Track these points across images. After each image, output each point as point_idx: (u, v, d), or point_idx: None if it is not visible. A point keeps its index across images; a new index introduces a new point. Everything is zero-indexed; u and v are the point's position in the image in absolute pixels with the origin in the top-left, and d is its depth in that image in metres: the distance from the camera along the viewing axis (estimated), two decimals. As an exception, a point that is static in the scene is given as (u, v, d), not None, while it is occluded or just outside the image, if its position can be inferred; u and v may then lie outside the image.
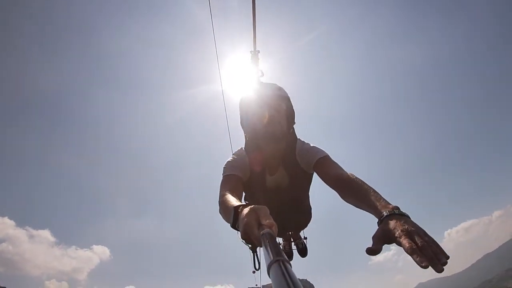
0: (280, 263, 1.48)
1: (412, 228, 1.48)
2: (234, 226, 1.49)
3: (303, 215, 2.61)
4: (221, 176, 1.95)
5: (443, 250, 1.49)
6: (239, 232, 1.50)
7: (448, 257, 1.49)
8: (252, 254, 1.43)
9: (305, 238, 3.15)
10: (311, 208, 2.60)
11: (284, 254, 1.50)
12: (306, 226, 2.75)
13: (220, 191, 1.74)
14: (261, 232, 1.49)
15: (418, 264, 1.48)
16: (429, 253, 1.48)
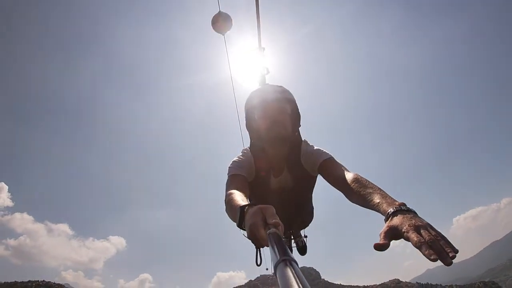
0: (287, 262, 1.46)
1: (420, 223, 1.46)
2: (241, 225, 1.48)
3: (306, 216, 2.60)
4: (227, 175, 1.92)
5: (452, 244, 1.47)
6: (245, 232, 1.49)
7: (457, 251, 1.47)
8: (256, 250, 1.43)
9: (305, 236, 3.14)
10: (313, 209, 2.58)
11: (291, 254, 1.47)
12: (307, 225, 2.74)
13: (226, 190, 1.72)
14: (268, 232, 1.47)
15: (427, 257, 1.47)
16: (437, 247, 1.47)
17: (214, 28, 3.75)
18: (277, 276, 1.46)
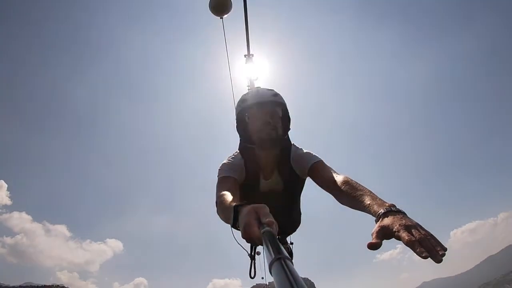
0: (282, 261, 1.47)
1: (410, 223, 1.50)
2: (235, 225, 1.48)
3: (294, 220, 2.57)
4: (217, 177, 1.92)
5: (441, 243, 1.51)
6: (236, 232, 1.49)
7: (446, 249, 1.51)
8: (250, 261, 1.43)
9: (291, 243, 3.14)
10: (301, 214, 2.57)
11: (286, 252, 1.48)
12: (294, 231, 2.69)
13: (216, 192, 1.73)
14: (262, 231, 1.47)
15: (418, 255, 1.50)
16: (427, 245, 1.50)
17: (212, 11, 3.61)
18: (272, 274, 1.46)
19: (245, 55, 3.72)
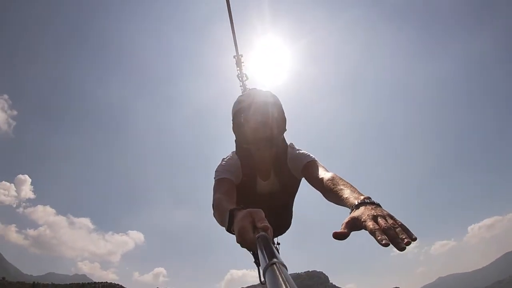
0: (275, 266, 1.44)
1: (379, 213, 1.48)
2: (230, 229, 1.47)
3: (287, 222, 2.56)
4: (213, 179, 1.92)
5: (410, 232, 1.47)
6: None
7: (414, 239, 1.47)
8: (257, 267, 1.43)
9: (278, 243, 3.16)
10: (292, 217, 2.55)
11: (280, 257, 1.45)
12: (285, 232, 2.68)
13: (213, 195, 1.73)
14: (256, 236, 1.45)
15: (379, 243, 1.48)
16: (391, 233, 1.48)
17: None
18: (266, 280, 1.44)
19: (234, 56, 3.73)
